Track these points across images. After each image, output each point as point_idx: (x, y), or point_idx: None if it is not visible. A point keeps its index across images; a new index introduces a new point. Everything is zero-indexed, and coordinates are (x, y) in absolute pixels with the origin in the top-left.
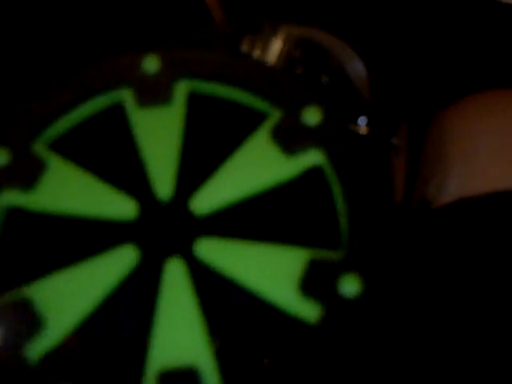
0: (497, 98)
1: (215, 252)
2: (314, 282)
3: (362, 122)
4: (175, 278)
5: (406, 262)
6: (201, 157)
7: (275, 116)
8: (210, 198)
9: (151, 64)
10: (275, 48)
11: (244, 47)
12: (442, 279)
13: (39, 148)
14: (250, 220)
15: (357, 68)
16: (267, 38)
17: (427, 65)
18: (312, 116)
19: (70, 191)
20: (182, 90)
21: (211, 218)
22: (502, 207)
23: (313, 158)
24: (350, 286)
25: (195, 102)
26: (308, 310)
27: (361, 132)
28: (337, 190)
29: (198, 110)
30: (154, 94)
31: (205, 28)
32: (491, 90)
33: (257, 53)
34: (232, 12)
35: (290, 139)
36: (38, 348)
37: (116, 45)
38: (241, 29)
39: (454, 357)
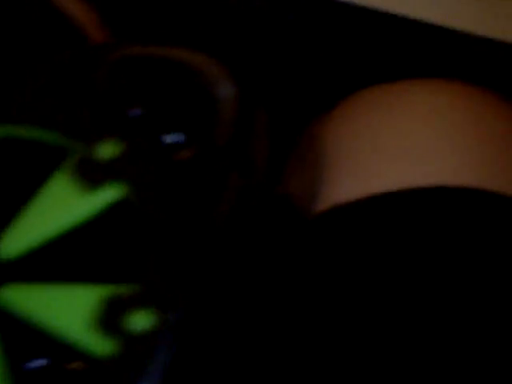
0: (378, 95)
1: (19, 297)
2: (107, 319)
3: (175, 140)
4: None
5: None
6: (8, 202)
7: (75, 152)
8: (13, 243)
9: None
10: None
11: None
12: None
13: None
14: (54, 261)
15: (227, 87)
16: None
17: (297, 76)
18: (108, 149)
19: None
20: None
21: (16, 263)
22: (378, 211)
23: (112, 192)
24: (141, 321)
25: (2, 146)
26: (101, 346)
27: (180, 156)
28: (139, 223)
29: (7, 153)
30: None
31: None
32: (370, 88)
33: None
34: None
35: (87, 175)
36: None
37: None
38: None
39: None
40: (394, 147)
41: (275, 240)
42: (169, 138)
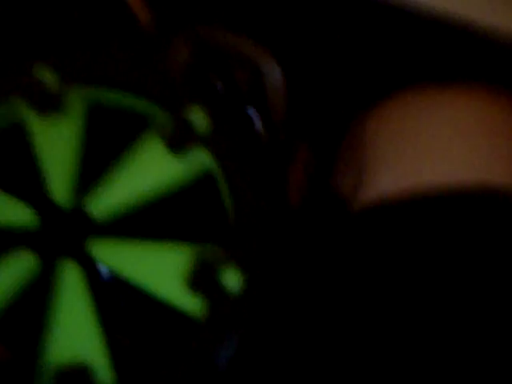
0: (418, 96)
1: (109, 253)
2: (199, 277)
3: (254, 115)
4: (70, 280)
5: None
6: (98, 162)
7: (163, 118)
8: (106, 202)
9: (44, 73)
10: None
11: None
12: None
13: None
14: (144, 220)
15: (275, 75)
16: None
17: (346, 68)
18: (198, 118)
19: None
20: (76, 97)
21: (107, 221)
22: (420, 207)
23: (201, 159)
24: (230, 281)
25: (91, 109)
26: (194, 304)
27: (259, 134)
28: (225, 190)
29: (95, 116)
30: (48, 103)
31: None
32: (411, 88)
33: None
34: (160, 15)
35: (177, 141)
36: None
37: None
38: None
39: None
40: (437, 147)
41: (323, 227)
42: (249, 112)
